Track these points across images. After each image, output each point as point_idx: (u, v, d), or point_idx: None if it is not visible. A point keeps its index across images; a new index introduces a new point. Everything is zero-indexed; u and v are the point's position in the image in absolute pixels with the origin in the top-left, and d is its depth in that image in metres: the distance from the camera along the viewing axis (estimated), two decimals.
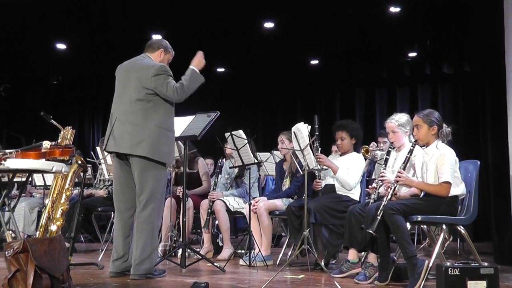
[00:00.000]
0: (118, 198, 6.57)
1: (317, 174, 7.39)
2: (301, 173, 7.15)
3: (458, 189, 5.92)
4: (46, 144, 5.24)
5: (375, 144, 8.78)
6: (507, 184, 6.73)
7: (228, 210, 8.39)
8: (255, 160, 7.90)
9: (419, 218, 5.76)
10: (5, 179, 5.75)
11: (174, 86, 6.34)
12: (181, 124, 7.21)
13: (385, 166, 6.58)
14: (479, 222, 8.13)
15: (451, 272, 5.12)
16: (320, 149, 7.24)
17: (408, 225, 5.79)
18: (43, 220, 5.31)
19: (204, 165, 9.25)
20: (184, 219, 7.22)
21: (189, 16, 10.59)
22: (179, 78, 6.45)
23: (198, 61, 6.72)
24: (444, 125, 6.11)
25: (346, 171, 7.35)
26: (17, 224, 6.63)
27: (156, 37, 9.98)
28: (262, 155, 9.18)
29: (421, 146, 6.27)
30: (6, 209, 5.49)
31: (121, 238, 6.48)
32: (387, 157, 6.65)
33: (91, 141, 15.49)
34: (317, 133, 7.12)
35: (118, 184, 6.59)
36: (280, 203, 7.89)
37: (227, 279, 6.47)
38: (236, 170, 8.69)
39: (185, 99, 6.48)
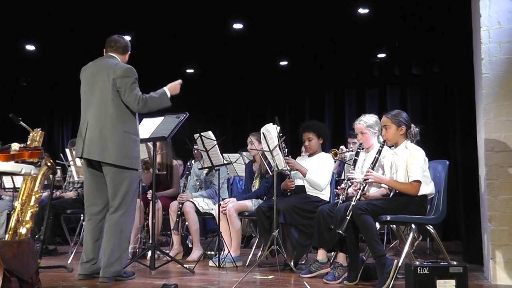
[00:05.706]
0: (89, 202, 6.53)
1: (287, 174, 7.44)
2: (271, 174, 7.17)
3: (427, 188, 5.97)
4: (15, 146, 5.19)
5: (344, 148, 8.83)
6: (476, 184, 6.76)
7: (197, 211, 8.39)
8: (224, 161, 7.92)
9: (388, 217, 5.78)
10: None
11: (139, 96, 6.29)
12: (150, 126, 7.20)
13: (354, 166, 6.62)
14: (448, 221, 8.18)
15: (420, 271, 5.16)
16: (287, 149, 7.27)
17: (377, 225, 5.82)
18: (12, 223, 5.25)
19: (178, 169, 9.23)
20: (154, 221, 7.20)
21: (158, 17, 10.56)
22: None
23: (174, 88, 6.74)
24: (412, 125, 6.15)
25: (315, 172, 7.38)
26: None
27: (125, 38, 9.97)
28: (232, 156, 9.18)
29: (389, 147, 6.31)
30: None
31: (91, 241, 6.45)
32: (356, 158, 6.70)
33: (61, 143, 15.35)
34: (281, 134, 7.12)
35: (88, 187, 6.55)
36: (250, 204, 7.88)
37: (197, 280, 6.49)
38: (205, 171, 8.71)
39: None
